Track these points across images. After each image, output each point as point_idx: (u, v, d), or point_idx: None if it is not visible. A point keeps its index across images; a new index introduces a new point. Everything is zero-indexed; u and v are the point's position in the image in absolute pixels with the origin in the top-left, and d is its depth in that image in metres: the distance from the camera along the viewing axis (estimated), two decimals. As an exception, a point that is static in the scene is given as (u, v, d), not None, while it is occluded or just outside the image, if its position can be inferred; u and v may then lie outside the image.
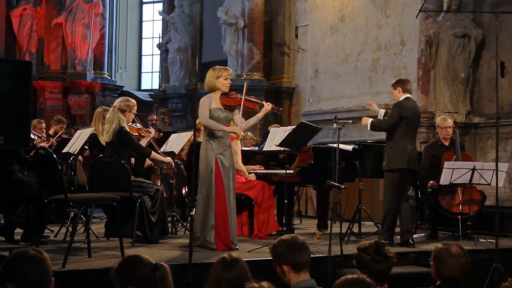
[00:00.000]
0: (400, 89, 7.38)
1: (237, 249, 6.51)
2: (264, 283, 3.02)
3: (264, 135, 8.63)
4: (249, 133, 8.29)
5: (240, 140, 7.94)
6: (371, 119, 7.48)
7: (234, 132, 6.64)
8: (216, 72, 6.63)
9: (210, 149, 6.55)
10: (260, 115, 6.82)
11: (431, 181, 7.91)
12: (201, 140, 7.18)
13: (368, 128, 7.50)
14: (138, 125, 7.37)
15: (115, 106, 7.01)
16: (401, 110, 7.27)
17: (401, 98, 7.36)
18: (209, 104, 6.58)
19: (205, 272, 3.58)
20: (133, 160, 7.36)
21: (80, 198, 6.10)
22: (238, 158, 7.75)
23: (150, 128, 7.76)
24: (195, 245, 5.91)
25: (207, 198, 6.51)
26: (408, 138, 7.31)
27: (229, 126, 6.69)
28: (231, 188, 6.64)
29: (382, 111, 7.60)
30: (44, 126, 9.32)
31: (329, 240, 5.91)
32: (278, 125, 9.39)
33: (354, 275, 3.19)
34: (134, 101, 7.19)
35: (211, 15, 14.24)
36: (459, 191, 7.69)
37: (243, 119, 6.79)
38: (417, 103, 10.31)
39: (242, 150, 7.99)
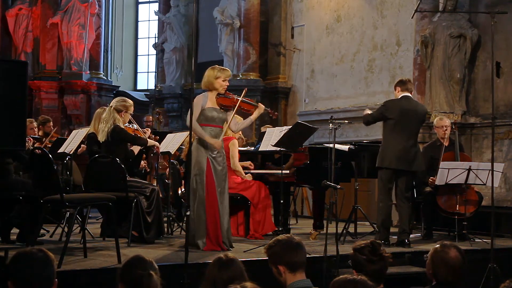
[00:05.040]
0: (399, 88, 7.43)
1: (229, 249, 6.50)
2: (248, 284, 3.02)
3: (260, 135, 8.62)
4: (240, 133, 8.28)
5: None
6: (370, 112, 7.65)
7: (214, 144, 6.54)
8: (215, 72, 6.63)
9: (202, 150, 6.55)
10: (253, 117, 6.78)
11: (431, 178, 7.91)
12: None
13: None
14: (134, 125, 7.38)
15: (111, 106, 7.04)
16: (384, 109, 7.35)
17: (398, 97, 7.40)
18: (203, 103, 6.58)
19: (201, 272, 3.58)
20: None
21: (76, 198, 6.09)
22: (235, 158, 7.75)
23: (145, 129, 7.76)
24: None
25: (199, 198, 6.51)
26: (395, 138, 7.29)
27: (222, 126, 6.67)
28: (224, 189, 6.62)
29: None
30: (36, 126, 9.26)
31: (325, 240, 5.92)
32: (270, 126, 9.38)
33: (355, 276, 3.19)
34: (131, 101, 7.20)
35: (207, 15, 14.24)
36: (457, 192, 7.69)
37: (236, 120, 6.82)
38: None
39: (239, 151, 7.99)
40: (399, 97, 7.40)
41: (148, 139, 7.31)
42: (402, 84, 7.45)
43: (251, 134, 12.99)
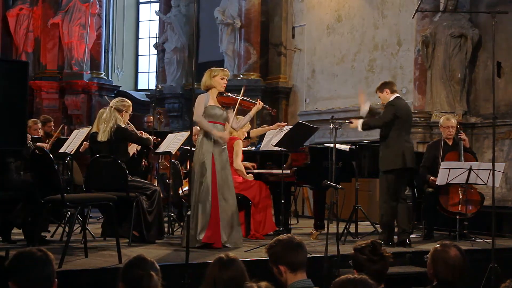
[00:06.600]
0: (388, 91, 7.37)
1: (226, 246, 6.56)
2: (263, 284, 3.03)
3: (261, 135, 8.63)
4: (245, 134, 8.27)
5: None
6: (361, 120, 7.42)
7: (220, 137, 6.68)
8: (212, 72, 6.78)
9: (206, 146, 6.64)
10: (251, 113, 6.93)
11: (432, 178, 7.90)
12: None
13: (360, 129, 7.41)
14: (131, 127, 7.39)
15: (111, 106, 7.05)
16: (395, 109, 7.26)
17: (391, 99, 7.34)
18: (205, 101, 6.69)
19: (202, 272, 3.58)
20: (136, 150, 7.44)
21: (77, 198, 6.10)
22: (238, 158, 7.76)
23: (139, 131, 7.73)
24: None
25: (202, 193, 6.55)
26: (403, 137, 7.30)
27: (224, 124, 6.82)
28: (228, 186, 6.70)
29: (367, 105, 7.51)
30: (40, 127, 9.27)
31: (326, 240, 5.92)
32: (286, 123, 9.37)
33: (355, 275, 3.19)
34: (129, 102, 7.23)
35: (208, 15, 14.24)
36: (460, 191, 7.68)
37: (236, 119, 6.90)
38: (413, 103, 10.41)
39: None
40: (393, 98, 7.35)
41: (151, 139, 7.34)
42: (390, 86, 7.42)
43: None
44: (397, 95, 7.39)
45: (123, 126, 6.99)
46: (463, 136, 8.12)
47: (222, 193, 6.64)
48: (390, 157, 7.26)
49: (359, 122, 7.39)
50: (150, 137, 7.46)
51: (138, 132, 7.39)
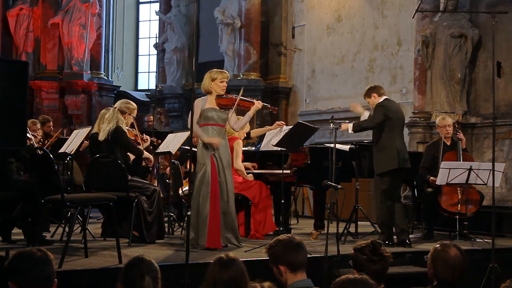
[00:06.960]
0: (375, 95, 7.36)
1: (225, 246, 6.57)
2: (266, 284, 3.04)
3: (261, 135, 8.63)
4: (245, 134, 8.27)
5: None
6: (351, 123, 7.42)
7: (211, 143, 6.64)
8: (212, 74, 6.77)
9: (205, 148, 6.63)
10: (250, 113, 6.89)
11: (432, 178, 7.90)
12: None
13: (350, 131, 7.40)
14: (135, 131, 7.40)
15: (115, 107, 7.10)
16: (385, 110, 7.25)
17: (380, 101, 7.33)
18: (202, 105, 6.70)
19: (202, 272, 3.58)
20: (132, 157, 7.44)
21: (77, 198, 6.10)
22: (238, 158, 7.76)
23: (144, 135, 7.72)
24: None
25: (202, 196, 6.55)
26: (397, 138, 7.29)
27: (224, 126, 6.79)
28: (228, 187, 6.70)
29: (367, 113, 7.48)
30: (39, 127, 9.26)
31: (326, 240, 5.92)
32: (284, 124, 9.36)
33: (355, 275, 3.19)
34: (135, 105, 7.26)
35: (208, 15, 14.24)
36: (459, 191, 7.69)
37: (236, 119, 6.90)
38: (413, 103, 10.42)
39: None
40: (382, 100, 7.34)
41: (144, 151, 7.30)
42: (376, 89, 7.41)
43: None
44: (385, 97, 7.39)
45: (124, 128, 6.98)
46: (460, 135, 8.12)
47: (222, 194, 6.64)
48: (385, 160, 7.27)
49: (350, 125, 7.40)
50: (151, 156, 7.47)
51: (139, 135, 7.39)
